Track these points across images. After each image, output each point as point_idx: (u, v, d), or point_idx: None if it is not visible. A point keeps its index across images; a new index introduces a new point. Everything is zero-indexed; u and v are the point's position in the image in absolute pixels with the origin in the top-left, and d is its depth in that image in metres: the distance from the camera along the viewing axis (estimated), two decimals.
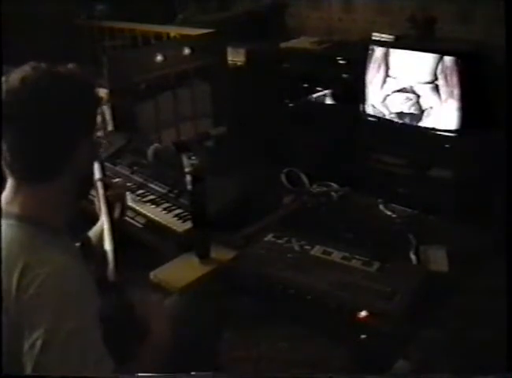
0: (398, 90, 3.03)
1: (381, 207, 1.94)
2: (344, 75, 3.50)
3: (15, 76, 1.19)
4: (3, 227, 1.17)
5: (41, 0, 3.81)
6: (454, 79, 2.79)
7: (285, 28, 4.30)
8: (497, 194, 2.45)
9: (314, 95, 3.57)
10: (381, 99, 3.10)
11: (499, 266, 1.38)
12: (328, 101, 3.57)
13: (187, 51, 3.34)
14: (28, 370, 1.06)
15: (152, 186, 2.10)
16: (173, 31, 3.65)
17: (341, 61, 3.54)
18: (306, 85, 3.68)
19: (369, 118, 3.19)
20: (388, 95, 3.08)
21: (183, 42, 3.43)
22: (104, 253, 1.42)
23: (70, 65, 1.26)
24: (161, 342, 1.33)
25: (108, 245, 1.43)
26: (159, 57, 3.21)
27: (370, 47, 3.13)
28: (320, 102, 3.54)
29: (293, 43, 3.98)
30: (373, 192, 2.03)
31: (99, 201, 1.50)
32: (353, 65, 3.37)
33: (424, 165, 2.98)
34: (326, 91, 3.58)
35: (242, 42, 3.89)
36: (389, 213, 1.90)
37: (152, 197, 2.05)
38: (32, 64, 1.21)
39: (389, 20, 3.64)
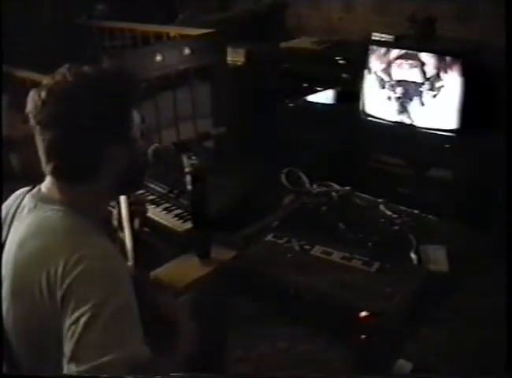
0: (401, 57, 3.01)
1: (381, 207, 1.94)
2: (344, 75, 3.50)
3: (52, 79, 1.19)
4: (47, 213, 1.20)
5: (41, 0, 3.82)
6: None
7: (285, 28, 4.30)
8: (497, 194, 2.45)
9: (314, 95, 3.57)
10: (384, 66, 3.09)
11: (499, 266, 1.38)
12: (328, 101, 3.57)
13: (187, 51, 3.33)
14: (68, 349, 1.06)
15: (152, 186, 2.10)
16: (173, 31, 3.65)
17: (341, 61, 3.54)
18: (305, 85, 3.68)
19: (369, 118, 3.19)
20: (391, 63, 3.06)
21: (183, 42, 3.43)
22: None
23: (109, 65, 1.26)
24: (185, 339, 1.34)
25: (128, 244, 1.47)
26: (159, 57, 3.20)
27: (370, 47, 3.14)
28: (320, 102, 3.54)
29: (293, 43, 3.98)
30: (373, 192, 2.03)
31: (119, 214, 1.51)
32: (353, 65, 3.37)
33: (424, 165, 2.98)
34: (326, 91, 3.58)
35: (242, 42, 3.89)
36: (389, 213, 1.90)
37: (152, 197, 2.05)
38: (68, 66, 1.21)
39: (389, 20, 3.64)
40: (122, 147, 1.23)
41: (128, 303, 1.12)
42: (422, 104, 2.96)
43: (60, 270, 1.10)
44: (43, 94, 1.17)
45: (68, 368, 1.06)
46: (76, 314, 1.06)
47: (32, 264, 1.15)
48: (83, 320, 1.06)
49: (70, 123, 1.17)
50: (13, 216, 1.27)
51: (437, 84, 2.88)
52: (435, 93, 2.90)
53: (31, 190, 1.29)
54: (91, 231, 1.19)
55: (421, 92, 2.94)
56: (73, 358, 1.05)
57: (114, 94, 1.21)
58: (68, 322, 1.07)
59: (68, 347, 1.06)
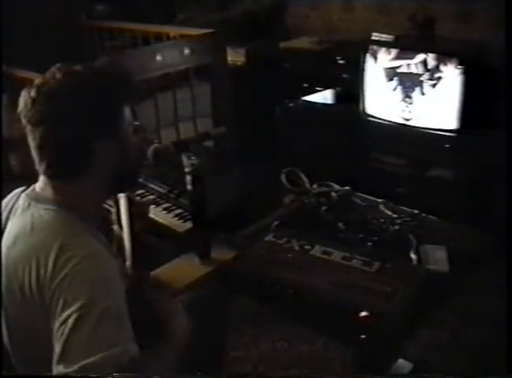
0: (402, 54, 3.01)
1: (381, 207, 1.94)
2: (344, 75, 3.50)
3: (42, 78, 1.20)
4: (40, 211, 1.21)
5: (41, 0, 3.81)
6: None
7: (285, 28, 4.30)
8: (497, 194, 2.45)
9: (314, 95, 3.57)
10: (385, 64, 3.08)
11: (499, 266, 1.38)
12: (328, 101, 3.57)
13: (187, 51, 3.33)
14: (57, 350, 1.06)
15: (152, 186, 2.10)
16: (173, 31, 3.65)
17: (341, 61, 3.54)
18: (306, 85, 3.68)
19: (369, 118, 3.19)
20: (392, 60, 3.06)
21: (183, 42, 3.43)
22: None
23: (99, 63, 1.26)
24: (180, 338, 1.34)
25: (127, 244, 1.47)
26: (159, 57, 3.20)
27: (370, 47, 3.14)
28: (320, 102, 3.54)
29: (293, 43, 3.98)
30: (373, 192, 2.03)
31: (117, 213, 1.51)
32: (353, 65, 3.37)
33: (424, 165, 2.98)
34: (326, 91, 3.58)
35: (242, 42, 3.89)
36: (389, 213, 1.90)
37: (152, 197, 2.05)
38: (59, 65, 1.22)
39: (389, 20, 3.64)
40: (113, 144, 1.23)
41: (116, 303, 1.12)
42: (423, 93, 2.96)
43: (49, 269, 1.11)
44: (33, 92, 1.18)
45: (56, 369, 1.05)
46: (65, 314, 1.07)
47: (23, 262, 1.16)
48: (71, 320, 1.06)
49: (59, 121, 1.18)
50: (8, 216, 1.28)
51: (436, 75, 2.88)
52: (434, 82, 2.89)
53: (25, 190, 1.30)
54: (83, 231, 1.19)
55: (422, 82, 2.94)
56: (62, 359, 1.05)
57: (103, 91, 1.21)
58: (57, 323, 1.07)
59: (57, 348, 1.06)
